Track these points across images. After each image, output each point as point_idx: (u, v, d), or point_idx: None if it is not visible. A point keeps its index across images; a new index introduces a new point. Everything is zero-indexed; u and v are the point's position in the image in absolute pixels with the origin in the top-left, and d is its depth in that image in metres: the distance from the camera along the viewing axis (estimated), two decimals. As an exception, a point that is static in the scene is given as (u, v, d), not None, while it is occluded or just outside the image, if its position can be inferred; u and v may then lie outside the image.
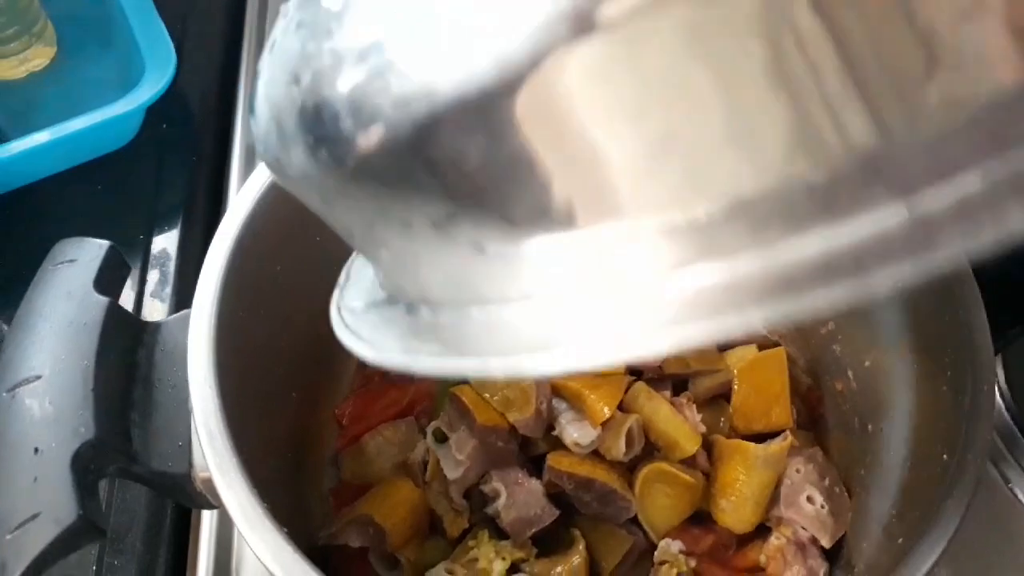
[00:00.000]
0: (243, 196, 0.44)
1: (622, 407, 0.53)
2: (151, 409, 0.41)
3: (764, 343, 0.59)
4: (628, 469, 0.52)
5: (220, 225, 0.43)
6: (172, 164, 0.74)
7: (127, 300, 0.66)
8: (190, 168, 0.75)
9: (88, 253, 0.42)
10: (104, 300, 0.41)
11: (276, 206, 0.45)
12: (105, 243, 0.43)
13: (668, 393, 0.54)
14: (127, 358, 0.41)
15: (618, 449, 0.50)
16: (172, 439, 0.40)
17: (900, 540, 0.38)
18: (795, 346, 0.59)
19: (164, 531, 0.57)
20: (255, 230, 0.44)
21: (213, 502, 0.40)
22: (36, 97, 0.77)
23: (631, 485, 0.51)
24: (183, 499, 0.42)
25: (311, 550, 0.50)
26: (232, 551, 0.55)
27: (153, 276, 0.68)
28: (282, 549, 0.35)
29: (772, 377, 0.55)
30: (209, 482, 0.38)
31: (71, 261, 0.42)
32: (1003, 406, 0.61)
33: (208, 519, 0.57)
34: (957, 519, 0.36)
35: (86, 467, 0.37)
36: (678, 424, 0.52)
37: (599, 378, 0.54)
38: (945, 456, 0.39)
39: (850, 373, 0.53)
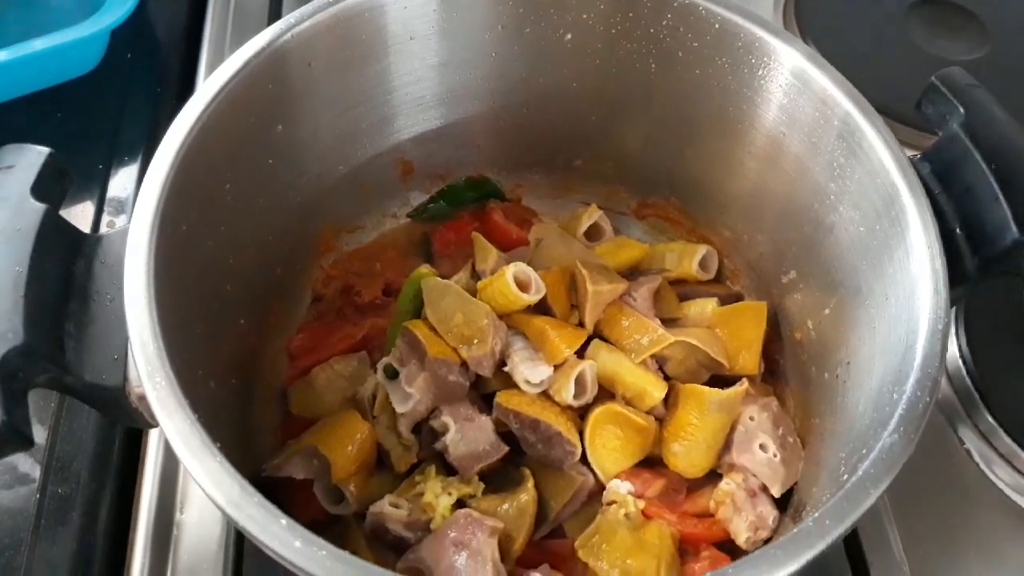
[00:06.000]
0: (191, 107, 0.43)
1: (581, 357, 0.52)
2: (87, 321, 0.40)
3: (726, 294, 0.58)
4: (580, 416, 0.51)
5: (165, 135, 0.42)
6: (136, 94, 0.73)
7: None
8: (154, 99, 0.73)
9: (27, 159, 0.41)
10: (41, 207, 0.40)
11: (226, 122, 0.44)
12: (45, 150, 0.42)
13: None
14: (64, 268, 0.40)
15: (568, 391, 0.49)
16: (107, 352, 0.39)
17: (845, 476, 0.37)
18: (755, 296, 0.58)
19: (112, 461, 0.55)
20: (203, 143, 0.42)
21: (150, 420, 0.38)
22: (-4, 18, 0.75)
23: (581, 431, 0.50)
24: (120, 416, 0.41)
25: (255, 482, 0.49)
26: (178, 485, 0.54)
27: (110, 207, 0.66)
28: (209, 459, 0.35)
29: (748, 325, 0.55)
30: (144, 399, 0.37)
31: (9, 167, 0.41)
32: (963, 369, 0.61)
33: (154, 453, 0.55)
34: (903, 454, 0.36)
35: (14, 374, 0.36)
36: (642, 373, 0.51)
37: (563, 322, 0.53)
38: (895, 395, 0.38)
39: (809, 323, 0.52)
